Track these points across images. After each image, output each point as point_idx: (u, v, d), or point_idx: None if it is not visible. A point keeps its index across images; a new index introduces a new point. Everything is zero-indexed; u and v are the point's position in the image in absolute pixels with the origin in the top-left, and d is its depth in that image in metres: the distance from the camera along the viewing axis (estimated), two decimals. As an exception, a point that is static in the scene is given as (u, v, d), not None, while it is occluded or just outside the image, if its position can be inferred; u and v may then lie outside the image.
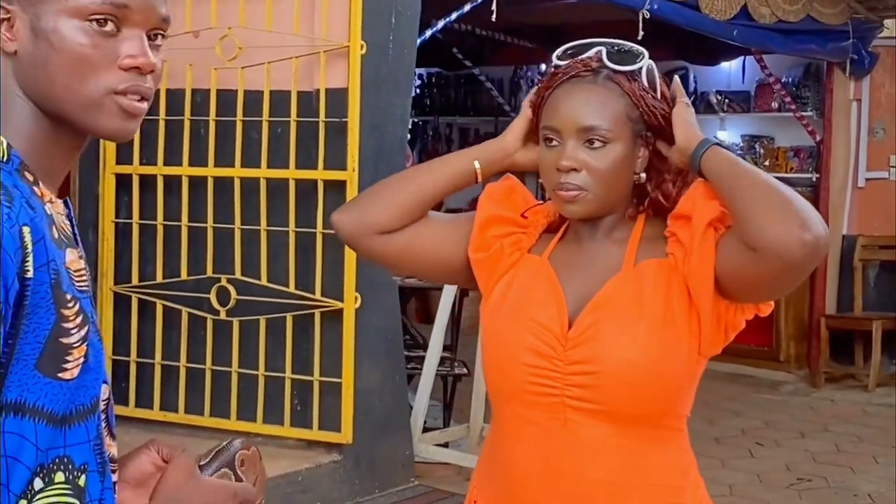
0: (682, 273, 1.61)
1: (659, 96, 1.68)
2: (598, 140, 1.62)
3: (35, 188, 1.20)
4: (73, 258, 1.22)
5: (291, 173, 4.09)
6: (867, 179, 7.88)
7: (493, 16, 4.93)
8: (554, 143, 1.64)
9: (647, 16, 5.63)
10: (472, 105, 9.88)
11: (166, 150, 4.35)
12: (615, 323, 1.60)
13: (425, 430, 4.80)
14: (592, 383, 1.59)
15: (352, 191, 3.98)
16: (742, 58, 8.15)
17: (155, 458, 1.34)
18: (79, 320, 1.18)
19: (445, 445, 4.97)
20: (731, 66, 8.39)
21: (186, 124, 4.31)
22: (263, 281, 4.17)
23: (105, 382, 1.28)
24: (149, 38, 1.20)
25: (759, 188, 1.55)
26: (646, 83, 1.66)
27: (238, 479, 1.32)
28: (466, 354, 5.73)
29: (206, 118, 4.27)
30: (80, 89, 1.17)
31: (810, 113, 7.91)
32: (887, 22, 7.68)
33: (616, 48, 1.67)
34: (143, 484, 1.34)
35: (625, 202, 1.69)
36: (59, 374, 1.16)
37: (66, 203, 1.26)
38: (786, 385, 7.46)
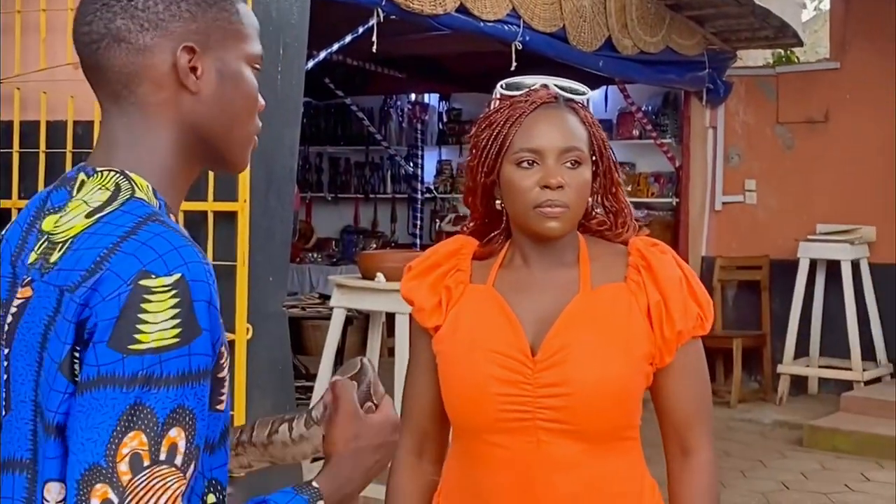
0: (641, 301, 1.73)
1: None
2: (575, 160, 1.71)
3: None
4: None
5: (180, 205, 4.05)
6: (724, 203, 8.24)
7: (374, 47, 4.99)
8: (532, 164, 1.71)
9: (520, 47, 5.78)
10: (343, 134, 9.92)
11: (47, 183, 4.25)
12: (583, 345, 1.69)
13: (314, 459, 4.80)
14: (564, 405, 1.67)
15: (243, 222, 3.97)
16: (604, 87, 8.43)
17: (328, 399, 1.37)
18: (226, 353, 1.21)
19: (332, 474, 4.97)
20: (594, 95, 8.61)
21: (69, 157, 4.22)
22: (151, 314, 4.11)
23: None
24: None
25: None
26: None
27: (376, 405, 1.34)
28: (349, 382, 5.74)
29: (90, 151, 4.18)
30: (247, 127, 1.30)
31: (670, 140, 8.24)
32: (740, 53, 8.07)
33: (559, 80, 1.78)
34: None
35: (576, 224, 1.78)
36: (217, 406, 1.20)
37: None
38: (652, 403, 7.69)
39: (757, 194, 8.15)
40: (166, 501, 1.07)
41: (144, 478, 1.07)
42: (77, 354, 1.11)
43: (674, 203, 8.26)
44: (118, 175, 1.21)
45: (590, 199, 1.78)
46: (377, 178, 10.03)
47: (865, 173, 7.65)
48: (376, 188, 10.02)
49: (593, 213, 1.82)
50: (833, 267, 7.52)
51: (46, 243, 1.18)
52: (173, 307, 1.09)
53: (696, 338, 1.77)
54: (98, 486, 1.06)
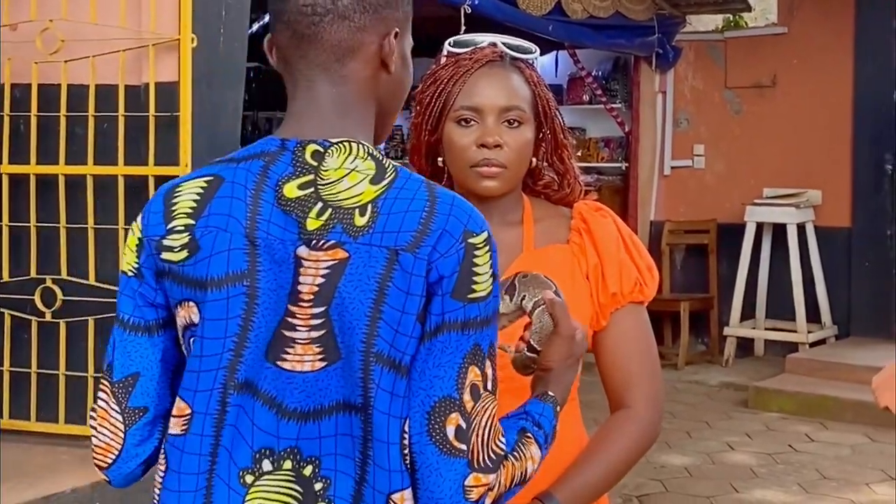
0: (583, 264, 1.75)
1: None
2: (516, 120, 1.71)
3: None
4: None
5: (120, 170, 4.00)
6: (672, 168, 8.28)
7: (319, 10, 4.93)
8: (472, 123, 1.70)
9: (469, 11, 5.75)
10: (292, 98, 9.82)
11: (-15, 146, 4.18)
12: None
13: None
14: (505, 363, 1.66)
15: (184, 187, 3.92)
16: (555, 52, 8.41)
17: None
18: None
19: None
20: (544, 60, 8.63)
21: (6, 121, 4.15)
22: (91, 280, 4.06)
23: None
24: None
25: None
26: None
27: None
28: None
29: (28, 114, 4.12)
30: (402, 103, 1.45)
31: (619, 105, 8.24)
32: (690, 18, 8.08)
33: (507, 39, 1.78)
34: None
35: (520, 184, 1.78)
36: None
37: None
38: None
39: (705, 159, 8.20)
40: (490, 421, 1.29)
41: (480, 404, 1.28)
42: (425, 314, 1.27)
43: (623, 168, 8.29)
44: (361, 145, 1.33)
45: (534, 160, 1.78)
46: (327, 143, 9.97)
47: (812, 138, 7.71)
48: (327, 153, 9.95)
49: (542, 175, 1.82)
50: (779, 230, 7.60)
51: (330, 210, 1.28)
52: (489, 259, 1.28)
53: (637, 303, 1.77)
54: (452, 414, 1.26)
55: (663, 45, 7.88)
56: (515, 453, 1.33)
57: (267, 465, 1.29)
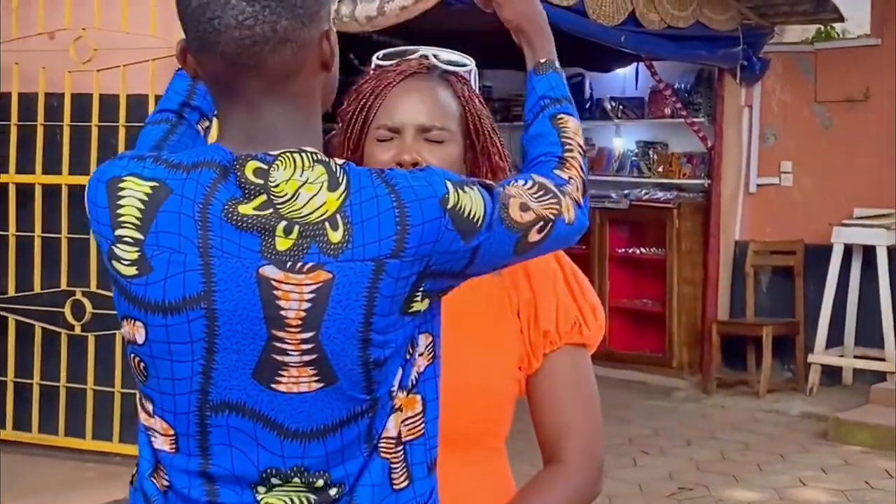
0: (514, 299, 1.58)
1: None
2: (436, 139, 1.56)
3: None
4: None
5: (149, 181, 3.93)
6: (758, 185, 7.93)
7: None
8: (391, 139, 1.56)
9: (532, 21, 5.55)
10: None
11: (18, 157, 4.16)
12: (445, 343, 1.50)
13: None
14: None
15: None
16: (636, 64, 8.15)
17: None
18: None
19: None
20: (625, 73, 8.38)
21: (40, 130, 4.13)
22: (121, 293, 3.99)
23: None
24: None
25: None
26: (473, 87, 1.63)
27: None
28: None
29: (61, 123, 4.09)
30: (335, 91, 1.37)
31: (702, 119, 7.92)
32: (778, 28, 7.74)
33: (441, 51, 1.63)
34: None
35: None
36: None
37: None
38: (678, 392, 7.45)
39: (793, 176, 7.82)
40: (533, 188, 1.37)
41: (534, 204, 1.34)
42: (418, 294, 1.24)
43: (706, 185, 7.94)
44: (305, 153, 1.24)
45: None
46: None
47: (907, 155, 7.30)
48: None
49: None
50: (869, 253, 7.20)
51: (297, 227, 1.20)
52: (466, 193, 1.25)
53: (577, 346, 1.58)
54: (528, 235, 1.31)
55: (749, 57, 7.54)
56: (565, 146, 1.41)
57: (276, 481, 1.25)
